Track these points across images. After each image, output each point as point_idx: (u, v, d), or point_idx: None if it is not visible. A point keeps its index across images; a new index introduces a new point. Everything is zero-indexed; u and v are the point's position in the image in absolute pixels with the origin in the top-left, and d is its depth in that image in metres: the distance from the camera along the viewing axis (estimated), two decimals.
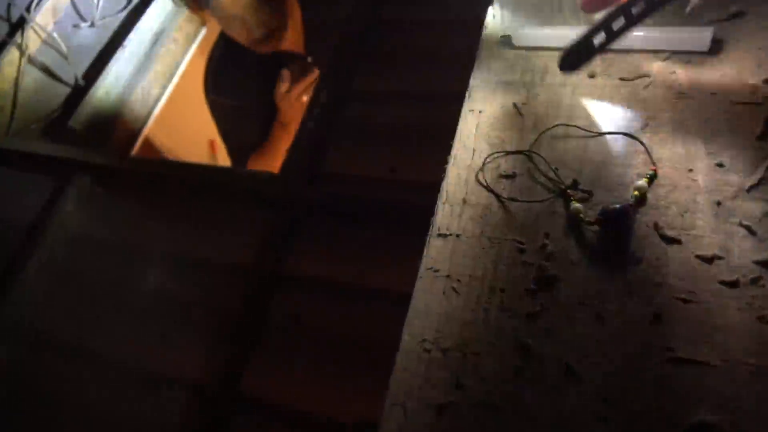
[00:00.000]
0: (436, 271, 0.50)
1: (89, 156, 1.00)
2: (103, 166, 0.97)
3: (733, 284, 0.42)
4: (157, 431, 0.76)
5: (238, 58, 1.48)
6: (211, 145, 2.30)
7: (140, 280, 0.92)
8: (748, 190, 0.45)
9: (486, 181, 0.53)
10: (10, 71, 1.15)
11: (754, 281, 0.41)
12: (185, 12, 1.41)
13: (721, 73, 0.52)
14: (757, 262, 0.42)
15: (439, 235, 0.52)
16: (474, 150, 0.56)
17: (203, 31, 1.53)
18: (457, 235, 0.51)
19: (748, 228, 0.43)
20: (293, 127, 1.36)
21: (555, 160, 0.52)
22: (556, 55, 0.53)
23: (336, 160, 0.97)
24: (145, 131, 1.35)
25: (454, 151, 0.56)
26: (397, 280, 0.77)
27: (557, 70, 0.54)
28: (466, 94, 0.60)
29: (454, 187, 0.54)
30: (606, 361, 0.41)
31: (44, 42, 1.20)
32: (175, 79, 1.45)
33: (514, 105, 0.57)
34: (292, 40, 1.41)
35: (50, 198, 0.98)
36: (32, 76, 1.19)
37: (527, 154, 0.53)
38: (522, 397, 0.42)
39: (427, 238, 0.52)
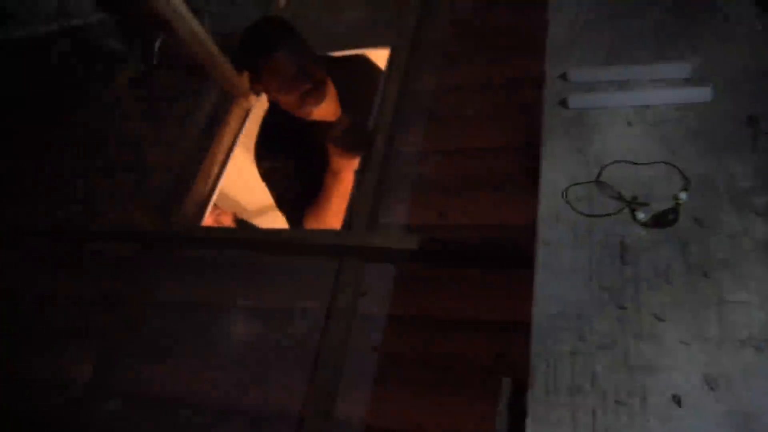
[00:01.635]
0: (547, 266, 0.73)
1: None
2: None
3: None
4: None
5: (284, 126, 1.71)
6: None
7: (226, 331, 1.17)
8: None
9: (570, 203, 0.77)
10: None
11: None
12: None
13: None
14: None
15: (544, 243, 0.75)
16: (555, 182, 0.80)
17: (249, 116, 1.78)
18: (557, 242, 0.75)
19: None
20: (344, 176, 1.57)
21: (616, 184, 0.76)
22: (602, 112, 0.79)
23: (391, 210, 1.23)
24: (207, 208, 1.59)
25: (541, 187, 0.81)
26: (460, 308, 1.03)
27: (605, 123, 0.79)
28: (543, 144, 0.85)
29: (547, 210, 0.78)
30: None
31: None
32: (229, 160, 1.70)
33: (578, 149, 0.82)
34: (329, 109, 1.64)
35: None
36: None
37: (596, 183, 0.77)
38: (617, 339, 0.65)
39: (537, 245, 0.75)
